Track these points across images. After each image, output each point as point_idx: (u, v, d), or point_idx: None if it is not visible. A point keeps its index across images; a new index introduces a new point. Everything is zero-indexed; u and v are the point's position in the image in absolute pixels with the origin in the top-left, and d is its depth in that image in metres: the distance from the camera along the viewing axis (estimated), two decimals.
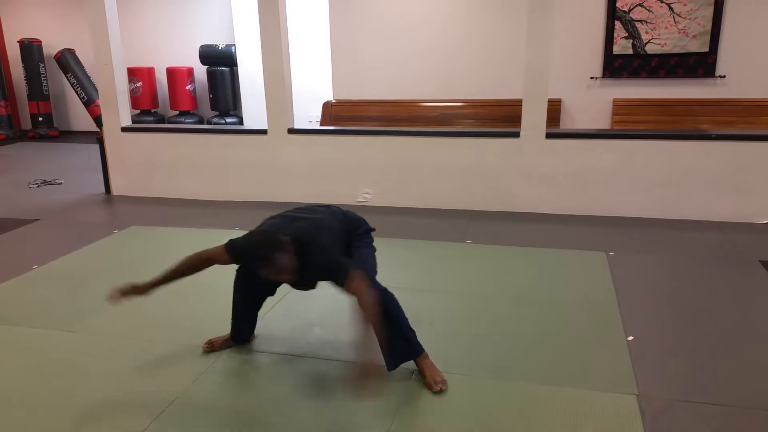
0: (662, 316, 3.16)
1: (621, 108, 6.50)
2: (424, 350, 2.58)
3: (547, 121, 4.95)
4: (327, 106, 7.22)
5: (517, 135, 5.00)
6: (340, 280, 2.38)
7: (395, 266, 3.94)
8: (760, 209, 4.67)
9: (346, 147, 5.41)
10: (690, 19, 6.06)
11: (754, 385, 2.52)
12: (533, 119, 4.91)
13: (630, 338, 2.91)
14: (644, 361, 2.71)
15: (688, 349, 2.82)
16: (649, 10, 6.13)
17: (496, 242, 4.37)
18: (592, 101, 6.63)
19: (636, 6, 6.16)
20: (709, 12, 5.99)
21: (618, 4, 6.20)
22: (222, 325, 2.94)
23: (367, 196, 5.40)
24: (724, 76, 6.21)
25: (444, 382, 2.52)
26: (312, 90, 7.87)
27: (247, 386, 2.64)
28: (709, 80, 6.25)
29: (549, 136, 4.96)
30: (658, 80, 6.37)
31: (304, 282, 2.57)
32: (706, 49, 6.11)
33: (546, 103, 4.87)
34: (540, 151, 4.97)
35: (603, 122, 6.63)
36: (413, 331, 2.58)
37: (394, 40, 7.00)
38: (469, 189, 5.20)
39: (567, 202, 5.01)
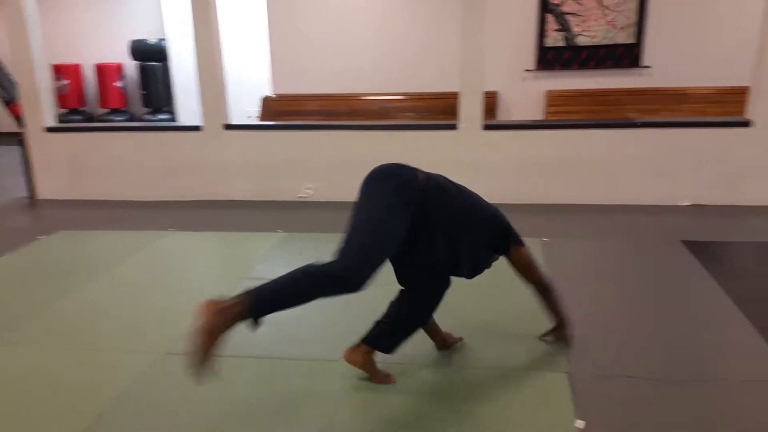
0: (593, 297, 3.28)
1: (554, 99, 6.69)
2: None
3: (485, 113, 5.04)
4: (266, 101, 7.12)
5: (454, 127, 5.07)
6: None
7: None
8: (683, 192, 4.90)
9: (285, 142, 5.35)
10: (617, 11, 6.28)
11: (676, 357, 2.65)
12: (470, 112, 4.99)
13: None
14: (574, 340, 2.80)
15: (616, 327, 2.94)
16: (579, 3, 6.33)
17: None
18: (527, 93, 6.79)
19: None
20: (635, 4, 6.23)
21: None
22: (162, 327, 2.86)
23: (309, 191, 5.35)
24: (649, 66, 6.47)
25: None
26: (251, 85, 7.73)
27: (184, 392, 2.57)
28: (636, 70, 6.51)
29: (486, 127, 5.05)
30: (589, 71, 6.58)
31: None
32: (633, 41, 6.36)
33: (482, 96, 4.95)
34: (478, 142, 5.05)
35: (538, 113, 6.81)
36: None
37: (334, 33, 6.97)
38: None
39: (504, 191, 5.08)
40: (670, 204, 4.90)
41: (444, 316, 2.87)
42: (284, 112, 6.97)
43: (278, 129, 5.47)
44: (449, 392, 2.47)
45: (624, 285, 3.46)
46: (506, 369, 2.62)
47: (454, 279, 2.59)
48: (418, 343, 2.83)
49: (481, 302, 3.26)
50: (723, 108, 6.14)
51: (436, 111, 6.70)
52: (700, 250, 3.87)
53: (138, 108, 9.28)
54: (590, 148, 4.96)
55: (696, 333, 2.89)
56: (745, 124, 4.73)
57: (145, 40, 8.68)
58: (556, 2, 6.35)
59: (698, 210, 4.81)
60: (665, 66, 6.46)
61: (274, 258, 4.01)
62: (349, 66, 7.00)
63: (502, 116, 6.84)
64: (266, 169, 5.36)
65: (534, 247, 4.02)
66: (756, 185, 4.81)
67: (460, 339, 2.79)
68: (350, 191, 5.24)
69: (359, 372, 2.53)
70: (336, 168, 5.30)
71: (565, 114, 6.60)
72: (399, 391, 2.47)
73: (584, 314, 3.07)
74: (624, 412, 2.30)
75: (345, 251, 2.25)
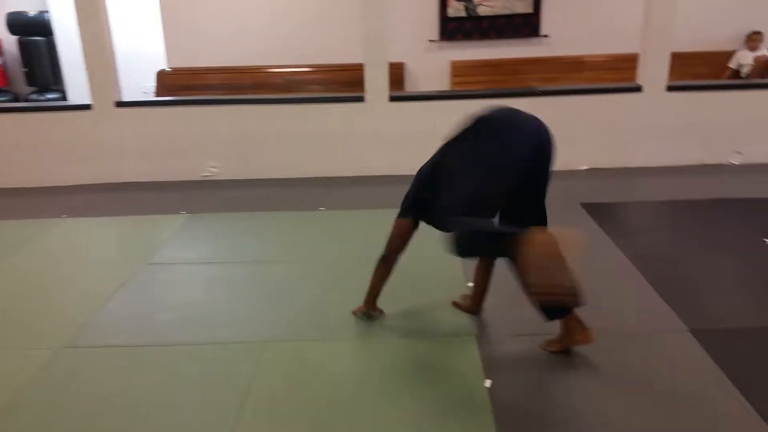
0: (501, 262, 3.36)
1: (459, 69, 6.76)
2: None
3: (392, 85, 5.02)
4: (161, 76, 6.75)
5: (362, 99, 5.02)
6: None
7: (249, 240, 3.82)
8: (581, 157, 5.12)
9: (185, 119, 5.10)
10: None
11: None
12: (376, 83, 4.95)
13: (470, 284, 3.07)
14: (484, 304, 2.88)
15: (519, 289, 3.04)
16: None
17: (349, 207, 4.39)
18: (433, 64, 6.82)
19: None
20: None
21: None
22: (58, 319, 2.66)
23: (213, 170, 5.15)
24: (547, 36, 6.67)
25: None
26: (147, 58, 7.28)
27: (87, 386, 2.42)
28: (535, 40, 6.68)
29: (393, 99, 5.03)
30: (491, 41, 6.69)
31: None
32: (531, 11, 6.51)
33: (387, 67, 4.92)
34: (385, 114, 5.03)
35: (444, 84, 6.87)
36: None
37: (234, 2, 6.66)
38: (320, 156, 5.16)
39: (413, 162, 5.08)
40: (570, 169, 5.11)
41: (357, 289, 2.86)
42: (182, 86, 6.63)
43: (176, 105, 5.20)
44: (365, 363, 2.47)
45: None
46: (420, 336, 2.66)
47: None
48: (335, 317, 2.81)
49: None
50: (617, 74, 6.42)
51: (344, 83, 6.60)
52: (597, 211, 4.07)
53: (22, 87, 8.54)
54: None
55: (595, 289, 3.01)
56: (637, 89, 4.98)
57: (25, 12, 7.95)
58: None
59: (595, 173, 5.05)
60: (562, 35, 6.67)
61: (178, 240, 3.84)
62: (251, 37, 6.73)
63: (410, 87, 6.85)
64: (165, 148, 5.10)
65: None
66: (645, 148, 5.10)
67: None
68: (257, 168, 5.16)
69: (270, 354, 2.49)
70: (241, 144, 5.13)
71: (471, 84, 6.70)
72: (314, 365, 2.45)
73: (496, 278, 3.15)
74: (529, 369, 2.40)
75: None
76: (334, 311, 2.88)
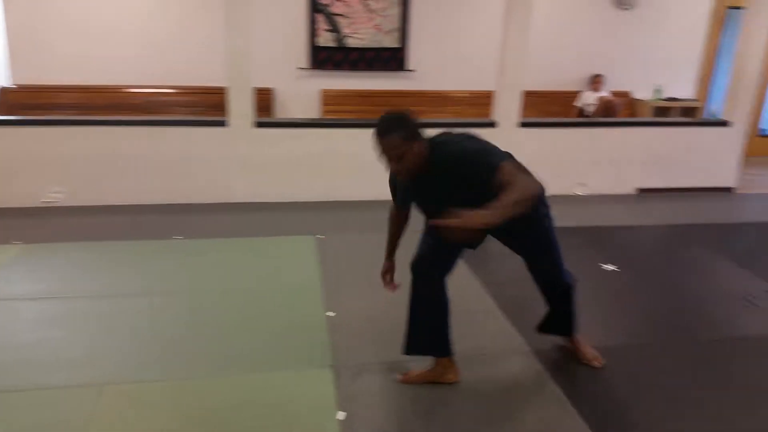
0: (363, 289, 3.37)
1: (329, 98, 6.81)
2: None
3: (259, 110, 4.94)
4: (4, 93, 6.15)
5: (224, 124, 4.87)
6: (484, 171, 2.05)
7: (93, 272, 3.52)
8: None
9: (25, 140, 4.66)
10: (383, 15, 6.59)
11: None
12: (240, 108, 4.83)
13: (330, 314, 3.04)
14: (342, 333, 2.86)
15: (383, 317, 3.05)
16: (347, 5, 6.50)
17: (208, 235, 4.20)
18: (303, 91, 6.81)
19: (335, 0, 6.48)
20: (398, 10, 6.60)
21: None
22: None
23: (56, 195, 4.72)
24: (414, 70, 6.92)
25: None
26: None
27: None
28: (402, 73, 6.91)
29: (258, 125, 4.94)
30: (360, 72, 6.81)
31: (442, 186, 2.20)
32: (398, 45, 6.72)
33: (251, 92, 4.83)
34: (250, 140, 4.92)
35: (315, 112, 6.88)
36: None
37: (88, 16, 6.24)
38: (180, 182, 4.92)
39: (280, 189, 5.06)
40: None
41: (210, 322, 2.72)
42: (27, 105, 6.07)
43: (15, 125, 4.73)
44: (212, 403, 2.33)
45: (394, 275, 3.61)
46: (273, 369, 2.57)
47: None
48: (184, 354, 2.63)
49: (247, 297, 3.16)
50: (479, 110, 6.79)
51: (210, 106, 6.40)
52: None
53: None
54: (359, 146, 5.07)
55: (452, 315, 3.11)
56: (492, 124, 5.27)
57: None
58: (325, 2, 6.45)
59: None
60: (428, 70, 6.95)
61: (6, 273, 3.45)
62: (109, 54, 6.34)
63: (280, 114, 6.78)
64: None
65: (309, 244, 4.06)
66: None
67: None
68: (108, 194, 4.82)
69: (108, 399, 2.28)
70: (91, 168, 4.77)
71: (341, 113, 6.76)
72: (156, 408, 2.27)
73: (355, 306, 3.15)
74: (385, 399, 2.39)
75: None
76: (183, 348, 2.72)
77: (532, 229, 2.39)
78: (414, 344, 2.48)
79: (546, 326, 2.72)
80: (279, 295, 3.28)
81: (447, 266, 2.42)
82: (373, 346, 2.76)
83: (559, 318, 2.66)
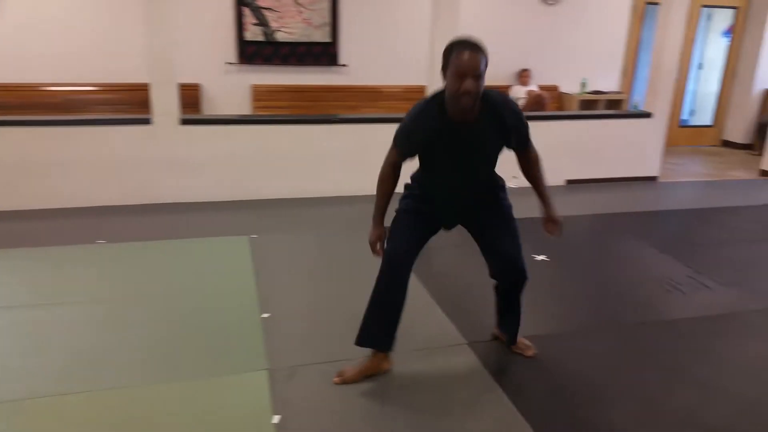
0: (299, 289, 3.31)
1: (260, 94, 6.66)
2: None
3: (187, 107, 4.77)
4: None
5: (149, 122, 4.68)
6: (523, 135, 2.33)
7: (15, 281, 3.31)
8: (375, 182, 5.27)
9: None
10: (312, 10, 6.50)
11: None
12: (165, 105, 4.65)
13: (265, 315, 2.96)
14: (277, 335, 2.78)
15: (318, 316, 3.00)
16: None
17: (134, 238, 4.02)
18: (233, 86, 6.64)
19: None
20: (327, 4, 6.52)
21: None
22: None
23: None
24: (346, 65, 6.86)
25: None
26: None
27: None
28: (334, 68, 6.84)
29: (184, 122, 4.76)
30: (291, 67, 6.70)
31: (482, 133, 2.24)
32: (328, 39, 6.65)
33: (176, 89, 4.65)
34: (176, 138, 4.74)
35: (245, 108, 6.71)
36: None
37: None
38: (103, 183, 4.69)
39: (209, 188, 4.90)
40: (366, 194, 5.24)
41: (138, 330, 2.59)
42: None
43: None
44: (140, 414, 2.22)
45: (331, 273, 3.58)
46: (205, 375, 2.47)
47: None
48: (109, 363, 2.50)
49: (177, 302, 3.04)
50: (411, 104, 6.75)
51: (134, 104, 6.14)
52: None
53: None
54: (293, 143, 5.03)
55: None
56: None
57: None
58: None
59: (394, 197, 5.23)
60: (360, 65, 6.90)
61: None
62: (21, 50, 5.97)
63: (208, 110, 6.58)
64: None
65: (241, 244, 3.95)
66: None
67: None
68: (25, 198, 4.53)
69: (23, 417, 2.12)
70: (5, 172, 4.48)
71: (273, 109, 6.63)
72: (77, 422, 2.14)
73: (291, 307, 3.08)
74: (322, 399, 2.34)
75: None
76: (108, 356, 2.58)
77: (499, 214, 2.45)
78: (368, 337, 2.43)
79: (503, 325, 2.71)
80: (211, 298, 3.16)
81: (416, 256, 2.39)
82: (308, 347, 2.70)
83: (509, 313, 2.64)
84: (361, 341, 2.44)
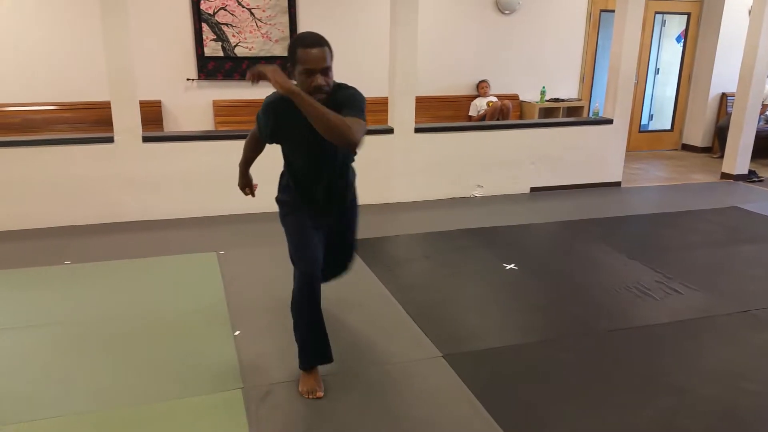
0: (270, 305, 3.28)
1: (221, 109, 6.60)
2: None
3: (149, 123, 4.70)
4: None
5: (111, 140, 4.59)
6: (348, 107, 2.18)
7: None
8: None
9: None
10: (270, 24, 6.48)
11: (348, 351, 2.78)
12: (126, 123, 4.58)
13: (237, 333, 2.93)
14: (250, 353, 2.76)
15: (290, 332, 2.95)
16: (232, 14, 6.33)
17: (100, 259, 3.93)
18: (194, 102, 6.56)
19: (220, 9, 6.28)
20: (286, 19, 6.50)
21: (202, 7, 6.21)
22: None
23: None
24: None
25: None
26: None
27: None
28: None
29: (146, 140, 4.69)
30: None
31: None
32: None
33: (137, 106, 4.59)
34: (138, 156, 4.67)
35: (208, 123, 6.64)
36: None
37: None
38: (66, 203, 4.59)
39: (175, 205, 4.83)
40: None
41: (102, 353, 2.52)
42: None
43: None
44: None
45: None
46: (177, 395, 2.43)
47: None
48: (72, 388, 2.42)
49: (146, 321, 2.98)
50: (373, 116, 6.76)
51: (94, 122, 6.02)
52: (360, 246, 4.19)
53: None
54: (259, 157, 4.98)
55: (359, 323, 3.09)
56: (390, 131, 5.32)
57: None
58: (209, 12, 6.24)
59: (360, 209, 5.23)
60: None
61: None
62: None
63: (170, 127, 6.48)
64: None
65: (209, 260, 3.90)
66: (401, 185, 5.45)
67: None
68: None
69: None
70: None
71: (235, 124, 6.55)
72: None
73: (262, 324, 3.05)
74: (294, 417, 2.32)
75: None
76: (79, 380, 2.52)
77: (350, 227, 2.66)
78: (316, 355, 2.48)
79: None
80: (181, 317, 3.11)
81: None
82: (282, 364, 2.67)
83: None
84: (313, 362, 2.47)
